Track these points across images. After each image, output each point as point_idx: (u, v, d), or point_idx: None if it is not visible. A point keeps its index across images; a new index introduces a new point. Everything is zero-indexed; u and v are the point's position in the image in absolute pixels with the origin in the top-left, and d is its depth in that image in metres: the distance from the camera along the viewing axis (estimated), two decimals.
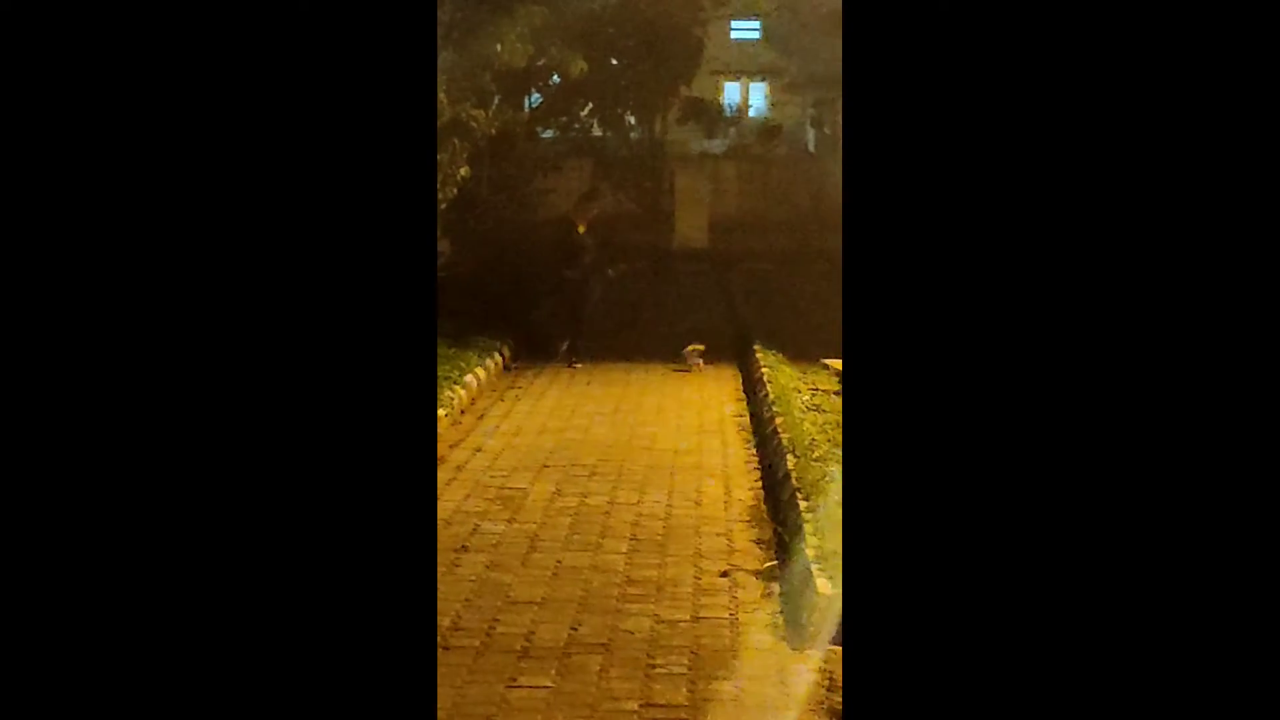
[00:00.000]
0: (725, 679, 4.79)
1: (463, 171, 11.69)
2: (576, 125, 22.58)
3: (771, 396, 9.55)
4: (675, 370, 12.11)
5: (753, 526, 6.87)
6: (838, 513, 6.24)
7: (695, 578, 6.02)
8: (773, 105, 33.76)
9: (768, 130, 26.59)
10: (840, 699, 4.46)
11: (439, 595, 5.62)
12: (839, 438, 8.04)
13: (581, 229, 12.20)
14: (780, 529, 6.60)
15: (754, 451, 8.72)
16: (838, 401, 9.61)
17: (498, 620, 5.35)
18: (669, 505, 7.35)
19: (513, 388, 11.22)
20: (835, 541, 5.79)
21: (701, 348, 12.38)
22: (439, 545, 6.32)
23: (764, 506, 7.24)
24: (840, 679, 4.65)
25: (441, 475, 7.81)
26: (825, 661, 4.86)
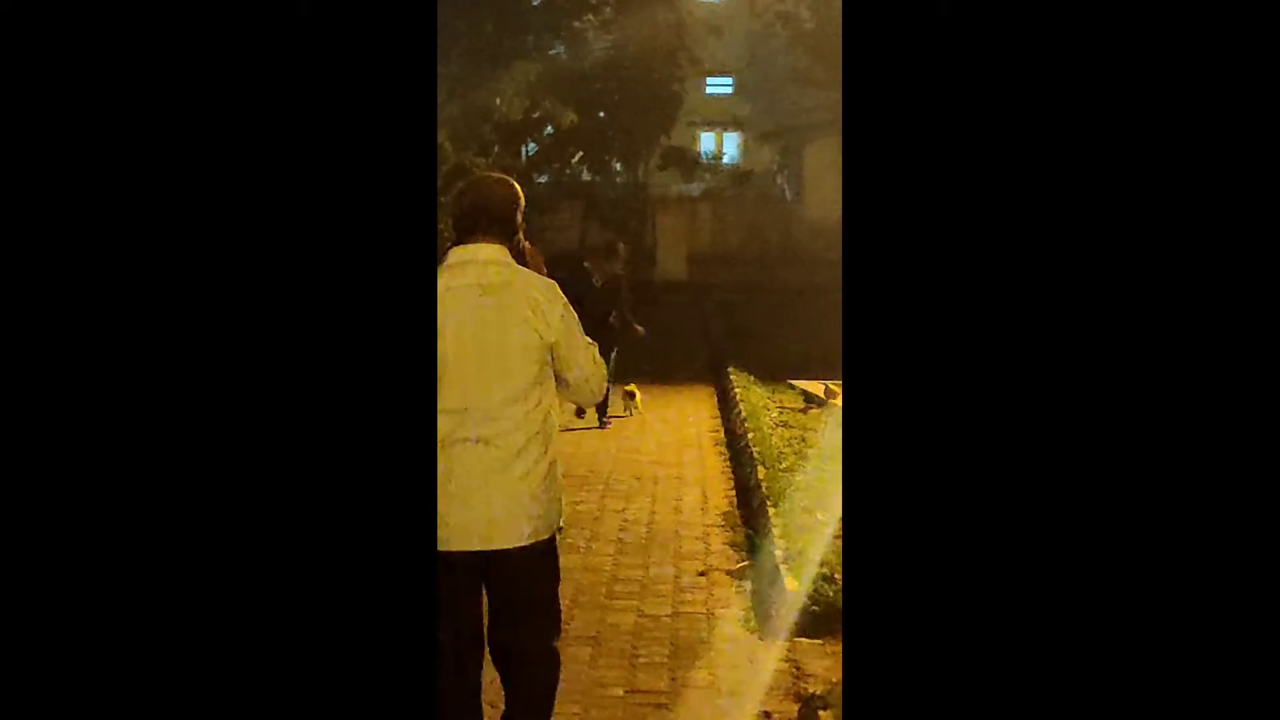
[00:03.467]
0: (702, 668, 4.79)
1: None
2: (568, 171, 22.64)
3: (743, 414, 9.55)
4: (609, 418, 10.31)
5: (727, 530, 6.86)
6: (803, 518, 6.26)
7: (675, 577, 6.01)
8: (744, 153, 33.84)
9: (740, 175, 26.62)
10: (805, 685, 4.47)
11: None
12: (804, 450, 8.06)
13: (598, 283, 10.41)
14: (752, 533, 6.61)
15: (728, 463, 8.70)
16: (803, 418, 9.63)
17: None
18: (652, 511, 7.34)
19: None
20: (800, 544, 5.80)
21: (634, 388, 10.71)
22: None
23: (737, 512, 7.24)
24: (804, 666, 4.66)
25: None
26: (791, 651, 4.87)
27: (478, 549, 3.23)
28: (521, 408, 3.20)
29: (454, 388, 3.18)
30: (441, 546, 3.15)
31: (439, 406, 3.16)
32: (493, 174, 3.60)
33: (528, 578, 3.33)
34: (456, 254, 3.31)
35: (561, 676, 3.86)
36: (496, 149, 13.80)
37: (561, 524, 3.41)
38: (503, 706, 3.59)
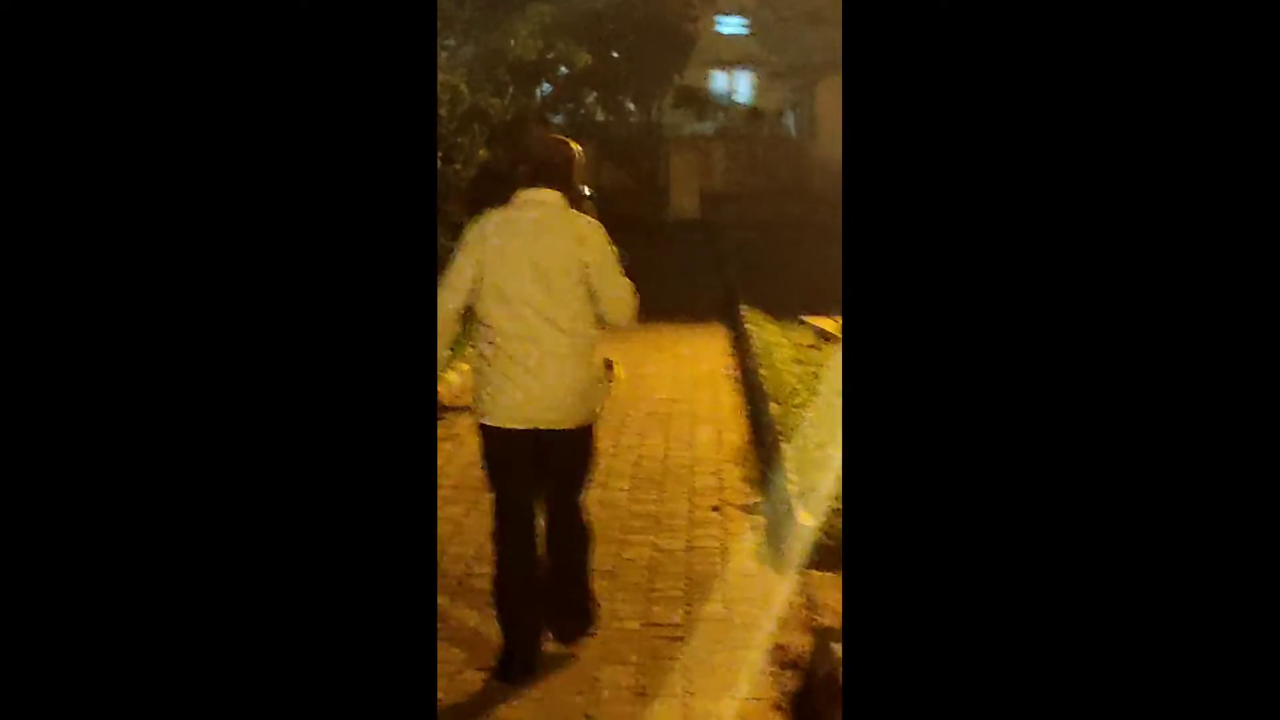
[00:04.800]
0: (716, 601, 4.83)
1: (481, 153, 11.64)
2: (582, 111, 22.48)
3: (757, 350, 9.54)
4: None
5: (740, 466, 6.88)
6: (815, 454, 6.26)
7: (690, 512, 6.04)
8: (757, 92, 33.56)
9: (752, 114, 26.40)
10: (816, 616, 4.49)
11: (465, 528, 5.65)
12: (816, 387, 8.05)
13: None
14: (765, 468, 6.62)
15: (742, 400, 8.70)
16: (815, 354, 9.61)
17: None
18: (666, 448, 7.36)
19: None
20: (813, 479, 5.81)
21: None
22: (464, 483, 6.32)
23: (750, 449, 7.25)
24: (817, 599, 4.68)
25: (469, 418, 7.80)
26: (803, 584, 4.89)
27: (535, 428, 4.02)
28: (567, 313, 3.97)
29: (516, 297, 3.95)
30: (502, 424, 4.02)
31: (505, 312, 3.95)
32: (556, 135, 4.37)
33: (581, 450, 4.20)
34: (522, 195, 4.09)
35: None
36: (511, 90, 13.68)
37: (600, 411, 4.21)
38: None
